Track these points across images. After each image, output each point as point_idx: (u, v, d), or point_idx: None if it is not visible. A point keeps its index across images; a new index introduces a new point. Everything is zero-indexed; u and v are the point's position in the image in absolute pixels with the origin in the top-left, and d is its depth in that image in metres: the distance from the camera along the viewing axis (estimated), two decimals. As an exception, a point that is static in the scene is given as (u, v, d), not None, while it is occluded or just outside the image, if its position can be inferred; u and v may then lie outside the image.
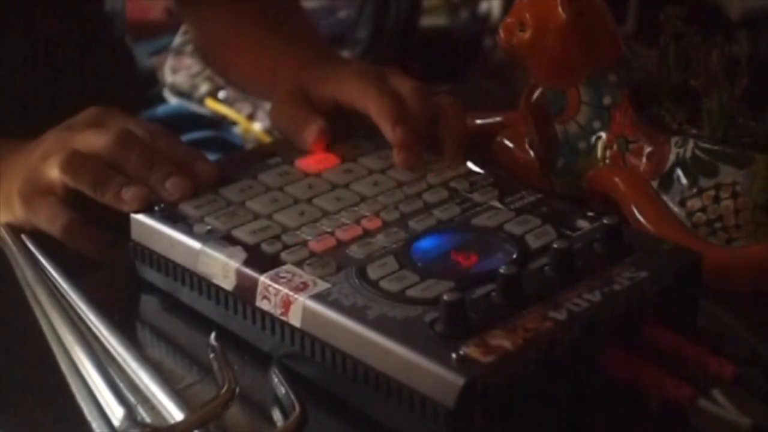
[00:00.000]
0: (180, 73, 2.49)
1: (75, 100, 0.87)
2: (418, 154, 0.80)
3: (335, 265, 0.68)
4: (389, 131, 0.80)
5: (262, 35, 1.05)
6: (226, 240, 0.71)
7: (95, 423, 0.64)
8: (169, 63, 2.50)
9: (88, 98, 0.86)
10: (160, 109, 1.27)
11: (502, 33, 0.85)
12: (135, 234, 0.75)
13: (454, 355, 0.58)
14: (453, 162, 0.81)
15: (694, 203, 0.77)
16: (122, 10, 1.18)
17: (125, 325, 0.71)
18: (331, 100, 0.85)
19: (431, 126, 0.84)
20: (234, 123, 2.33)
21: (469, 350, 0.59)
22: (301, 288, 0.66)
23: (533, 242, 0.70)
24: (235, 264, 0.69)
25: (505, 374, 0.59)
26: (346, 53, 2.61)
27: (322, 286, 0.66)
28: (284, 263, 0.68)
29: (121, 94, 1.12)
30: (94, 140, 0.78)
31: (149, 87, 1.29)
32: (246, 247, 0.70)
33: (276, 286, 0.66)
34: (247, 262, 0.69)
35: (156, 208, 0.75)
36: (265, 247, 0.70)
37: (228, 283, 0.69)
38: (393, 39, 2.58)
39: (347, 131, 0.85)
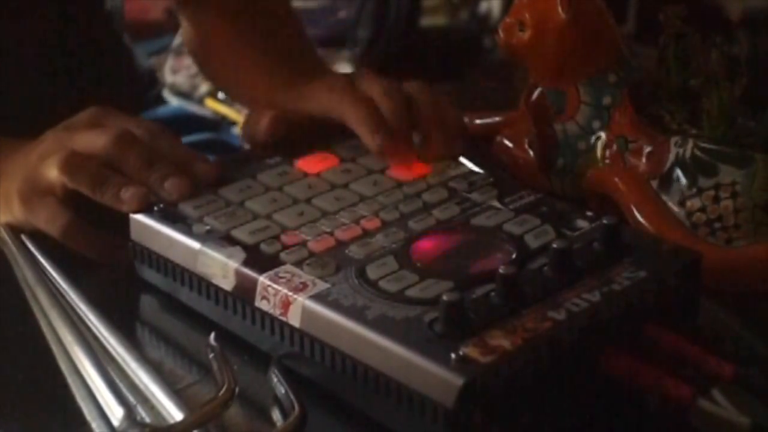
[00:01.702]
0: (180, 74, 2.49)
1: (74, 99, 0.87)
2: (406, 155, 0.80)
3: (334, 265, 0.67)
4: (369, 141, 0.80)
5: (248, 48, 1.06)
6: (226, 240, 0.71)
7: (95, 423, 0.64)
8: (169, 63, 2.50)
9: (88, 98, 0.86)
10: (160, 111, 1.27)
11: (502, 33, 0.85)
12: (134, 234, 0.75)
13: (453, 355, 0.58)
14: (443, 151, 0.81)
15: (694, 203, 0.77)
16: (121, 8, 1.18)
17: (125, 325, 0.71)
18: (306, 116, 0.85)
19: (411, 122, 0.83)
20: (234, 123, 2.33)
21: (468, 350, 0.59)
22: (301, 288, 0.66)
23: (532, 242, 0.70)
24: (234, 264, 0.69)
25: (504, 374, 0.59)
26: (346, 53, 2.61)
27: (322, 286, 0.66)
28: (283, 263, 0.68)
29: (120, 95, 1.12)
30: (93, 140, 0.78)
31: (149, 88, 1.29)
32: (245, 247, 0.70)
33: (275, 286, 0.66)
34: (246, 263, 0.69)
35: (155, 208, 0.75)
36: (264, 247, 0.70)
37: (227, 284, 0.69)
38: (393, 39, 2.58)
39: (345, 134, 0.85)
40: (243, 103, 1.20)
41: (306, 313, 0.65)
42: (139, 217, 0.75)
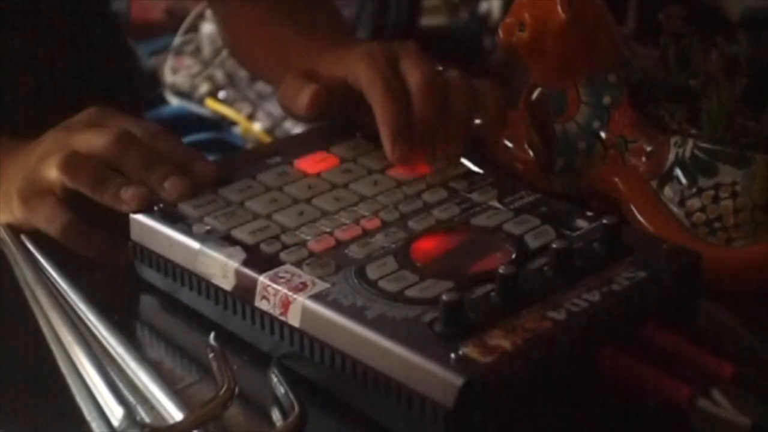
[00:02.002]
0: (180, 73, 2.49)
1: (77, 100, 0.87)
2: (417, 163, 0.79)
3: (334, 265, 0.68)
4: (388, 147, 0.78)
5: (284, 31, 1.05)
6: (226, 240, 0.71)
7: (95, 423, 0.64)
8: (169, 63, 2.50)
9: (90, 99, 0.86)
10: (161, 111, 1.27)
11: (501, 33, 0.85)
12: (134, 234, 0.75)
13: (453, 355, 0.58)
14: (450, 151, 0.81)
15: (694, 203, 0.77)
16: (127, 10, 1.18)
17: (125, 325, 0.71)
18: (340, 81, 0.83)
19: (439, 115, 0.82)
20: (234, 123, 2.33)
21: (468, 350, 0.59)
22: (301, 288, 0.66)
23: (532, 242, 0.70)
24: (234, 264, 0.69)
25: (504, 374, 0.59)
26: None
27: (321, 286, 0.66)
28: (283, 263, 0.68)
29: (122, 95, 1.12)
30: (93, 140, 0.78)
31: (150, 88, 1.29)
32: (245, 247, 0.70)
33: (275, 286, 0.66)
34: (246, 263, 0.69)
35: (155, 208, 0.75)
36: (264, 247, 0.70)
37: (227, 283, 0.69)
38: (393, 39, 2.58)
39: (346, 134, 0.84)
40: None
41: (306, 313, 0.65)
42: (139, 217, 0.75)
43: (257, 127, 2.35)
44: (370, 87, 0.80)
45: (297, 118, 0.84)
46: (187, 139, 1.20)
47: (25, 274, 0.76)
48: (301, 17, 1.05)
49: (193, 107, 2.30)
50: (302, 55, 0.96)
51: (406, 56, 0.83)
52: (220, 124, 2.16)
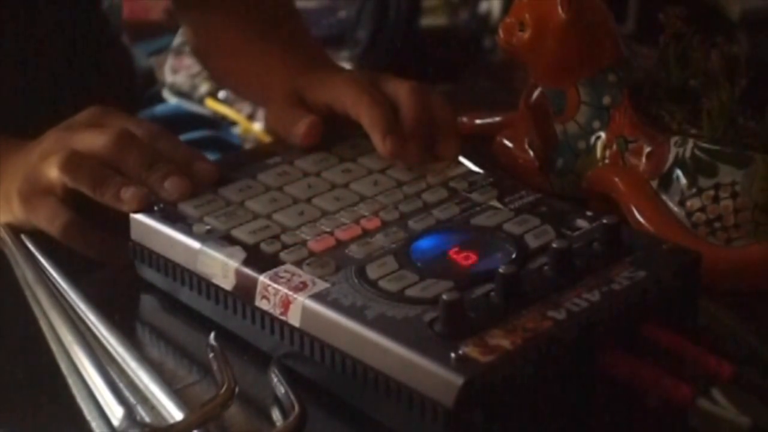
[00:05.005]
0: (180, 73, 2.49)
1: (72, 99, 0.87)
2: (413, 158, 0.80)
3: (334, 265, 0.68)
4: (380, 142, 0.79)
5: (257, 40, 1.05)
6: (226, 240, 0.71)
7: (95, 423, 0.64)
8: (169, 63, 2.50)
9: (85, 97, 0.86)
10: (157, 109, 1.27)
11: (501, 33, 0.85)
12: (134, 234, 0.75)
13: (453, 355, 0.58)
14: (447, 149, 0.81)
15: (694, 203, 0.77)
16: (119, 7, 1.18)
17: (125, 325, 0.71)
18: (325, 106, 0.85)
19: (428, 124, 0.83)
20: (234, 123, 2.33)
21: (468, 350, 0.59)
22: (301, 288, 0.66)
23: (532, 242, 0.70)
24: (234, 264, 0.69)
25: (504, 374, 0.59)
26: (346, 53, 2.61)
27: (322, 285, 0.66)
28: (283, 263, 0.68)
29: (118, 93, 1.12)
30: (93, 140, 0.78)
31: (147, 86, 1.29)
32: (245, 246, 0.70)
33: (275, 285, 0.67)
34: (246, 262, 0.69)
35: (155, 208, 0.75)
36: (264, 246, 0.70)
37: (227, 283, 0.69)
38: (393, 39, 2.58)
39: (345, 134, 0.85)
40: (256, 99, 1.19)
41: (306, 312, 0.65)
42: (140, 216, 0.75)
43: (257, 127, 2.35)
44: (356, 104, 0.82)
45: (288, 143, 0.85)
46: (184, 137, 1.20)
47: (25, 274, 0.76)
48: (273, 32, 1.06)
49: (189, 105, 2.30)
50: (279, 75, 0.97)
51: (387, 79, 0.85)
52: (216, 122, 2.16)
